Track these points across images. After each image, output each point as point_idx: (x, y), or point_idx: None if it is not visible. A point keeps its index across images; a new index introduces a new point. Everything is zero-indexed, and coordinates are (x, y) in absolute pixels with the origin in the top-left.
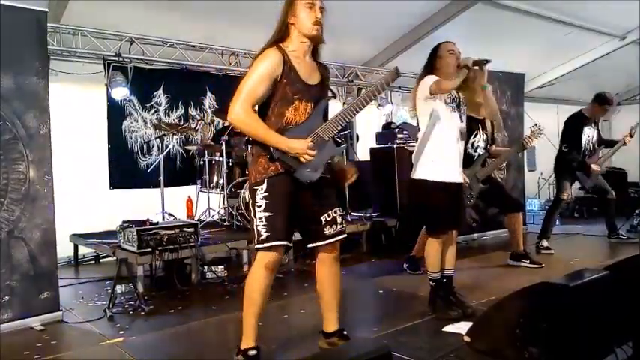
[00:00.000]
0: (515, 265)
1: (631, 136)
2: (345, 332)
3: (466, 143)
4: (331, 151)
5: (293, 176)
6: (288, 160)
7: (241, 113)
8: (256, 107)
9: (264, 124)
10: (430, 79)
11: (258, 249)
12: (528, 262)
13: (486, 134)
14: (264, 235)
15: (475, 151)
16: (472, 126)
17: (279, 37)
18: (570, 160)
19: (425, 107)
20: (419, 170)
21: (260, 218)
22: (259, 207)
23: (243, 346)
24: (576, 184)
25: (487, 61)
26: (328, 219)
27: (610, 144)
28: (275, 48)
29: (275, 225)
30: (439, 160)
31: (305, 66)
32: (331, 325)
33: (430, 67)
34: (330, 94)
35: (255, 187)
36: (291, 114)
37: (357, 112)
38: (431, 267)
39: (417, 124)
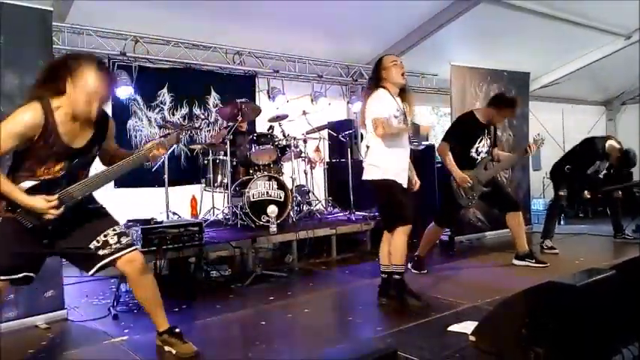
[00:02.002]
0: (521, 264)
1: None
2: (176, 330)
3: (470, 148)
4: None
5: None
6: (25, 215)
7: None
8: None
9: (5, 178)
10: (378, 109)
11: None
12: (533, 261)
13: (489, 139)
14: None
15: (478, 155)
16: (477, 132)
17: (54, 89)
18: (569, 182)
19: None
20: (373, 172)
21: None
22: None
23: None
24: None
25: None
26: (98, 244)
27: (624, 178)
28: (40, 106)
29: None
30: (391, 167)
31: (74, 127)
32: (162, 325)
33: (377, 79)
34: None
35: None
36: (42, 172)
37: (119, 174)
38: (400, 260)
39: (366, 132)
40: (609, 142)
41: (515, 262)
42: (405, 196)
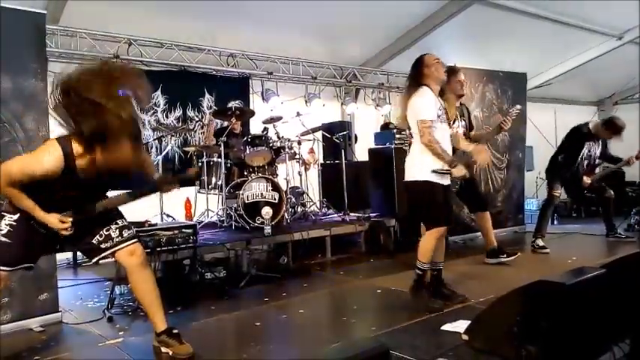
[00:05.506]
0: (493, 262)
1: (637, 158)
2: (174, 331)
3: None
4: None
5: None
6: (39, 225)
7: (8, 193)
8: None
9: (29, 200)
10: (424, 110)
11: None
12: (505, 256)
13: (464, 120)
14: None
15: None
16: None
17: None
18: (564, 171)
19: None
20: (420, 174)
21: None
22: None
23: None
24: None
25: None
26: (100, 239)
27: (614, 161)
28: (61, 152)
29: (4, 251)
30: (437, 167)
31: (93, 170)
32: (159, 326)
33: (420, 77)
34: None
35: (4, 214)
36: (58, 195)
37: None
38: (424, 258)
39: (409, 130)
40: (592, 123)
41: (487, 260)
42: (448, 198)
